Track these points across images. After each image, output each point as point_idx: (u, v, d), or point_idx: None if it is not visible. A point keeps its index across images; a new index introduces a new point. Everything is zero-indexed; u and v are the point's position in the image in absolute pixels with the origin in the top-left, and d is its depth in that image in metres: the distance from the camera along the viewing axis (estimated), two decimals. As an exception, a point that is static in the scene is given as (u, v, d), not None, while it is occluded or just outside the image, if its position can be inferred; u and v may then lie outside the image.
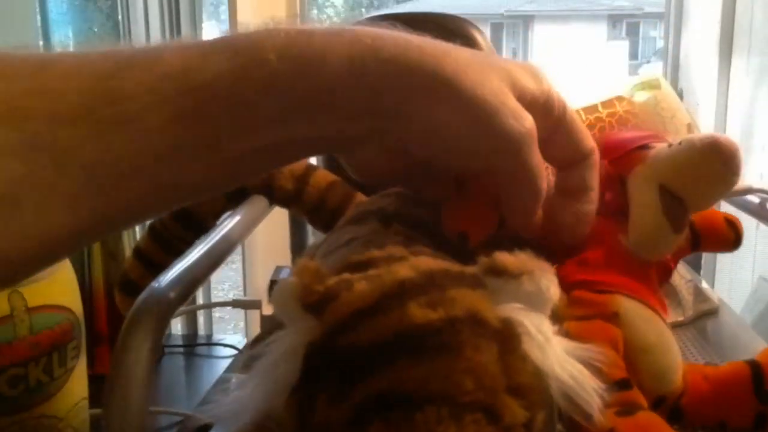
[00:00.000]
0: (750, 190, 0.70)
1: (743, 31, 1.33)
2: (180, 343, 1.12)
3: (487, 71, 0.34)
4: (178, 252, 0.57)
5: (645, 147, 0.48)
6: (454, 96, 0.33)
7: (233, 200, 0.66)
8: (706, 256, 1.21)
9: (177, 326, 1.19)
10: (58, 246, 0.29)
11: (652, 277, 0.49)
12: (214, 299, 1.31)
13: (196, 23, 1.11)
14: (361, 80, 0.32)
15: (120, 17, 1.01)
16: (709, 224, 0.51)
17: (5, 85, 0.27)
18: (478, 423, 0.26)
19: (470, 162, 0.36)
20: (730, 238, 0.51)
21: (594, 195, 0.41)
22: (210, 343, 1.12)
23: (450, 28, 0.79)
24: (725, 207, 1.19)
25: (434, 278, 0.29)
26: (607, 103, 0.55)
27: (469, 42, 0.79)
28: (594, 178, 0.41)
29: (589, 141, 0.40)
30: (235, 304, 0.97)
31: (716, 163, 0.44)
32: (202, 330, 1.22)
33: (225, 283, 2.77)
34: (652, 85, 0.61)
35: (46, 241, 0.28)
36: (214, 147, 0.31)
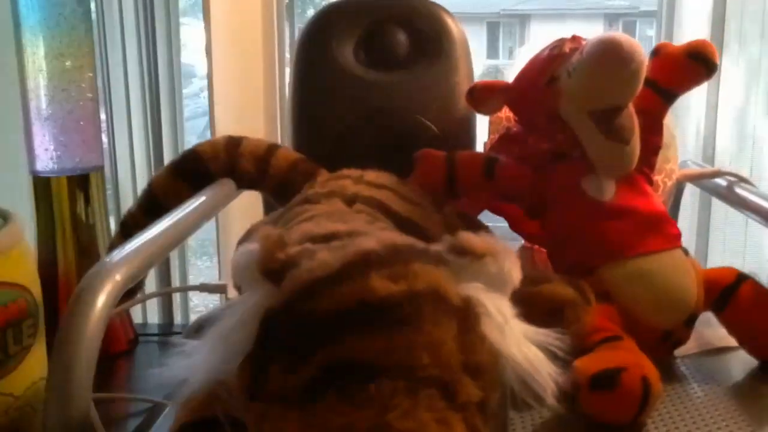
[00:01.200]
0: (719, 173, 0.69)
1: (734, 29, 1.33)
2: (155, 332, 1.11)
3: None
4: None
5: (552, 80, 0.49)
6: None
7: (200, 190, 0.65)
8: (697, 252, 1.19)
9: (154, 316, 1.19)
10: None
11: (632, 198, 0.53)
12: (192, 295, 1.30)
13: (169, 3, 1.10)
14: None
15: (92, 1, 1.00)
16: (671, 71, 0.51)
17: None
18: (432, 398, 0.25)
19: None
20: (699, 69, 0.52)
21: None
22: (185, 332, 1.11)
23: (420, 12, 0.78)
24: (697, 191, 1.18)
25: (398, 252, 0.29)
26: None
27: (438, 26, 0.79)
28: None
29: None
30: (202, 288, 0.98)
31: (613, 60, 0.45)
32: (178, 320, 1.21)
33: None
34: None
35: None
36: None
